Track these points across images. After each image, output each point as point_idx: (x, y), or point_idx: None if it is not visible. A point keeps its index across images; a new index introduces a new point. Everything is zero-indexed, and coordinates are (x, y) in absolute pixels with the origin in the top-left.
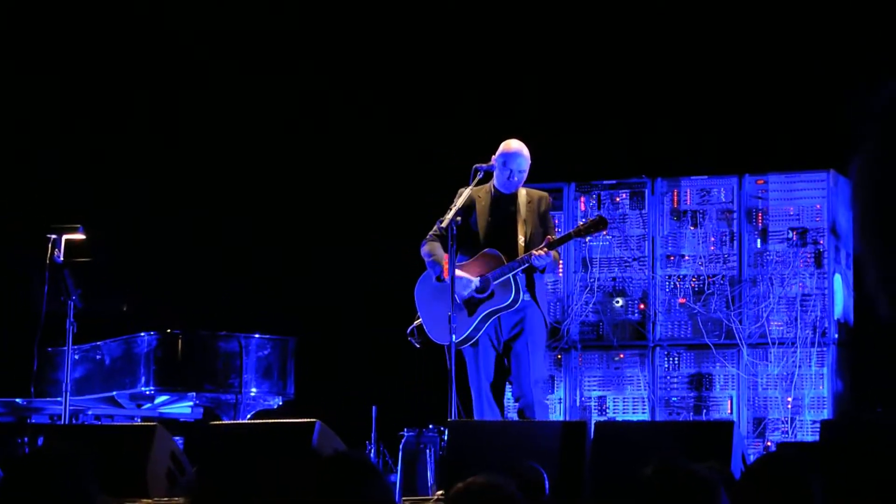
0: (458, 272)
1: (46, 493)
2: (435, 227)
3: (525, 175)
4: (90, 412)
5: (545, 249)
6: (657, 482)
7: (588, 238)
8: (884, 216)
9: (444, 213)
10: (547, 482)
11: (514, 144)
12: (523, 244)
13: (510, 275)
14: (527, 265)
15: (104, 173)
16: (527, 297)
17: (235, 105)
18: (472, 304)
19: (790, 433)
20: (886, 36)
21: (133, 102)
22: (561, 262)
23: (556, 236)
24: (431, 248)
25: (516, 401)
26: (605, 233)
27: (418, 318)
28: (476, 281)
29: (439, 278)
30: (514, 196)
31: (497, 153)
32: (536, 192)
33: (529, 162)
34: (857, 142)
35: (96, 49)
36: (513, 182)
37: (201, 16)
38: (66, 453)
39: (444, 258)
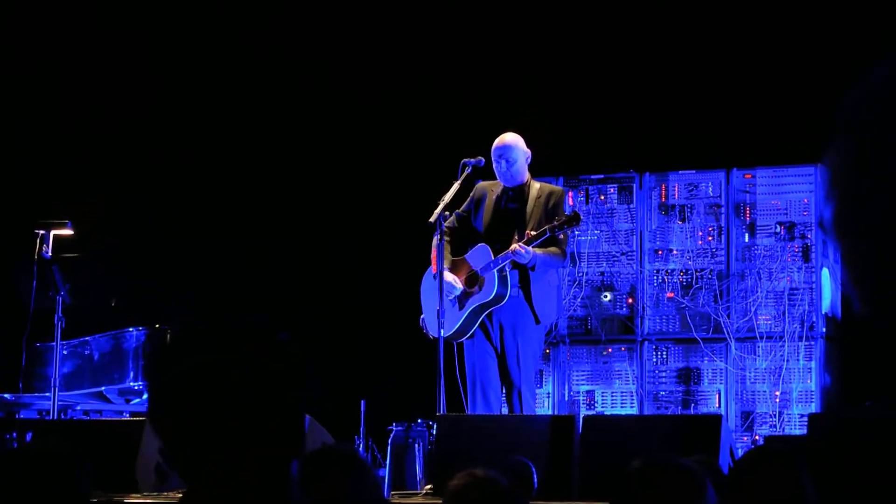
0: (446, 274)
1: (37, 488)
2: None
3: (519, 164)
4: (79, 407)
5: (520, 246)
6: (644, 476)
7: (567, 232)
8: (855, 215)
9: (453, 207)
10: (535, 476)
11: (505, 136)
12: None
13: (494, 269)
14: (509, 261)
15: (93, 167)
16: (515, 291)
17: (225, 99)
18: (462, 298)
19: (778, 427)
20: (872, 28)
21: (121, 100)
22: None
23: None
24: (435, 244)
25: (503, 393)
26: (577, 229)
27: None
28: (458, 288)
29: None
30: (523, 191)
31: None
32: (549, 187)
33: (526, 152)
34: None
35: (94, 45)
36: (509, 173)
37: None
38: (55, 449)
39: (443, 256)
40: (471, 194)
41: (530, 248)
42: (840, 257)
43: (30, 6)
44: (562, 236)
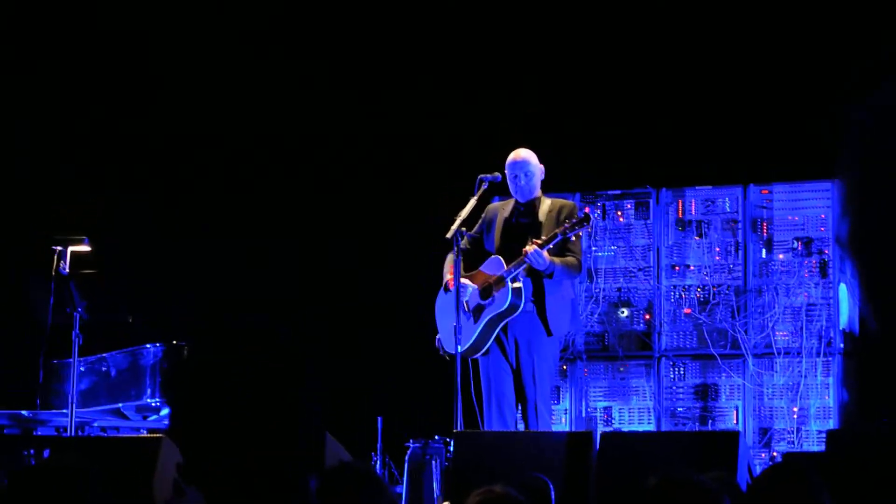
0: (462, 280)
1: None
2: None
3: (535, 179)
4: (96, 424)
5: (533, 247)
6: (661, 492)
7: (578, 233)
8: (867, 231)
9: (469, 226)
10: (553, 493)
11: (520, 152)
12: None
13: (508, 279)
14: (524, 266)
15: (109, 184)
16: (529, 307)
17: (225, 99)
18: (477, 311)
19: (796, 443)
20: (884, 45)
21: (120, 100)
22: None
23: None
24: (447, 261)
25: (519, 409)
26: (589, 228)
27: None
28: (471, 287)
29: (446, 288)
30: (534, 206)
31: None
32: (560, 202)
33: (540, 167)
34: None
35: (94, 45)
36: (524, 187)
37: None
38: (72, 466)
39: (451, 269)
40: (482, 216)
41: (544, 252)
42: (855, 274)
43: (30, 6)
44: (574, 239)
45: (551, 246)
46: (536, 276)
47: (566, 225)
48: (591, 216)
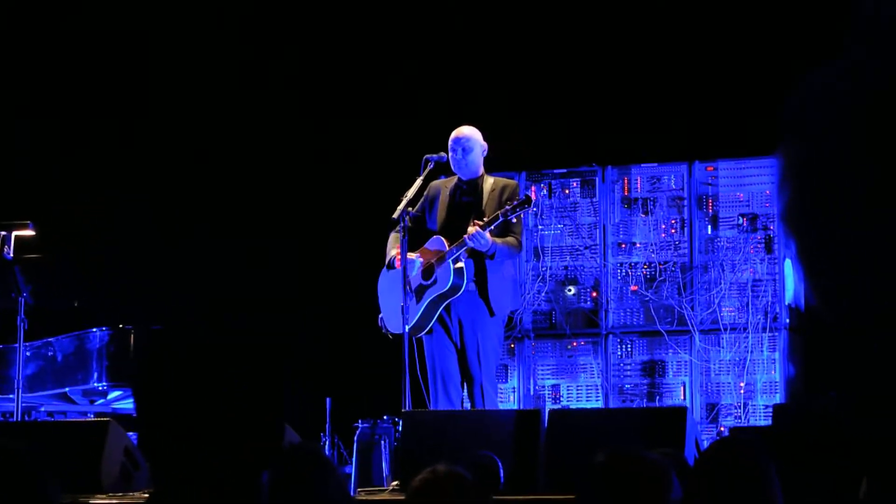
0: (408, 255)
1: (4, 490)
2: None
3: (474, 155)
4: (43, 409)
5: (475, 229)
6: (609, 469)
7: (520, 215)
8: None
9: (414, 206)
10: (502, 471)
11: (463, 128)
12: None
13: (449, 259)
14: (465, 248)
15: (56, 168)
16: (471, 286)
17: (225, 99)
18: (420, 291)
19: (743, 418)
20: (828, 21)
21: (120, 100)
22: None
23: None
24: (391, 240)
25: (465, 388)
26: (531, 209)
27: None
28: (418, 262)
29: (389, 266)
30: (477, 185)
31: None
32: (503, 181)
33: (483, 144)
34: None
35: (94, 45)
36: (464, 162)
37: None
38: (21, 450)
39: (396, 248)
40: (424, 194)
41: (486, 234)
42: (795, 250)
43: (30, 6)
44: (515, 220)
45: (493, 227)
46: (478, 257)
47: (508, 207)
48: (533, 198)
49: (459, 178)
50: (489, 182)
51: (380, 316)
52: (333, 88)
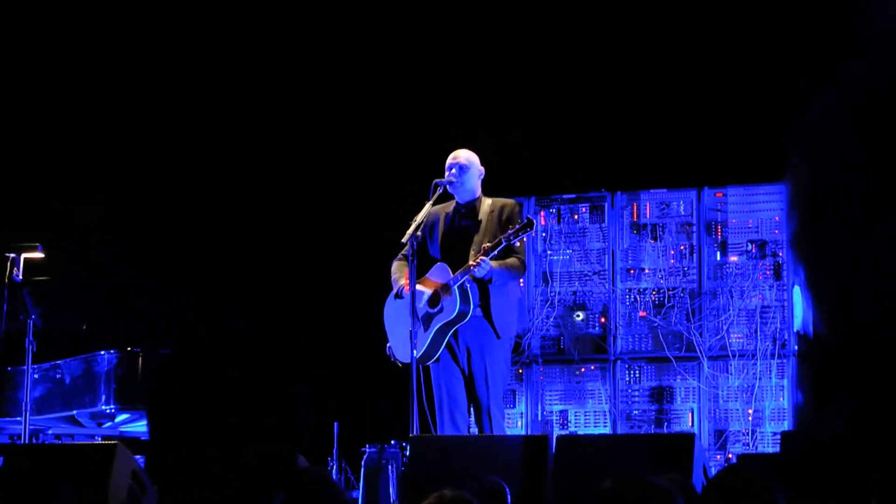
0: (417, 287)
1: None
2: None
3: (470, 176)
4: (50, 431)
5: (479, 258)
6: (616, 495)
7: (523, 238)
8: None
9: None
10: (509, 496)
11: (458, 150)
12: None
13: (454, 287)
14: (468, 276)
15: (56, 168)
16: (476, 311)
17: (225, 100)
18: (427, 320)
19: (751, 445)
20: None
21: (120, 100)
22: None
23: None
24: (395, 267)
25: (472, 414)
26: (533, 233)
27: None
28: (427, 293)
29: (397, 295)
30: (475, 207)
31: None
32: (501, 201)
33: (480, 168)
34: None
35: (94, 45)
36: (460, 181)
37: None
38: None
39: (404, 275)
40: (417, 216)
41: (488, 260)
42: (804, 276)
43: (29, 6)
44: (518, 244)
45: (496, 252)
46: (481, 280)
47: (510, 231)
48: (535, 221)
49: (457, 203)
50: (487, 203)
51: (388, 345)
52: (333, 88)
